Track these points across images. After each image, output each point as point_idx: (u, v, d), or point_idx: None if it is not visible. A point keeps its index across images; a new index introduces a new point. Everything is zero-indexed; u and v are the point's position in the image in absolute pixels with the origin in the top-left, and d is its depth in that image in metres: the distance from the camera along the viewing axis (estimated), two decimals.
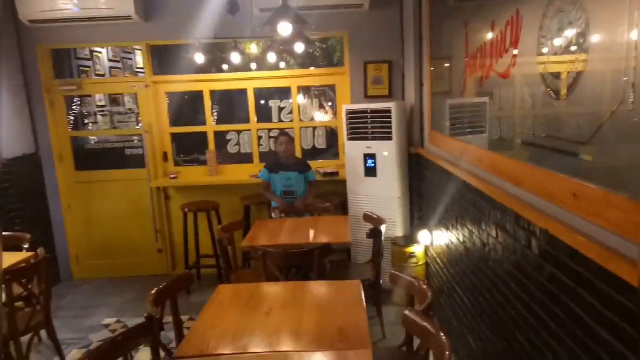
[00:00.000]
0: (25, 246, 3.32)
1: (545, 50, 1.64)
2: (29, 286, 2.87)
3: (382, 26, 4.33)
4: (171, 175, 4.65)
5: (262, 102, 4.85)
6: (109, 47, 5.86)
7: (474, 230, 2.51)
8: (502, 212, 2.05)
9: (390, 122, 3.89)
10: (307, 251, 2.84)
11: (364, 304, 2.11)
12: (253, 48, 6.16)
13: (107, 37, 4.46)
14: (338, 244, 3.13)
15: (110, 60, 5.80)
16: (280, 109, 4.80)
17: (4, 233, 3.47)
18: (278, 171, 4.03)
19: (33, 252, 3.15)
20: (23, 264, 2.93)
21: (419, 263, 3.82)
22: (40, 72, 4.43)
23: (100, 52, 5.55)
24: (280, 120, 4.80)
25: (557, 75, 1.58)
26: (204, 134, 4.79)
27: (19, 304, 3.04)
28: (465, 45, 2.60)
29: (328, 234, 3.27)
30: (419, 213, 4.05)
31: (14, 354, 2.77)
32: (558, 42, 1.55)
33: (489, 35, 2.21)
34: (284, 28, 2.47)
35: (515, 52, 1.91)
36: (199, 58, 4.08)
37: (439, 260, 3.45)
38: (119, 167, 4.81)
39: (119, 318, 3.90)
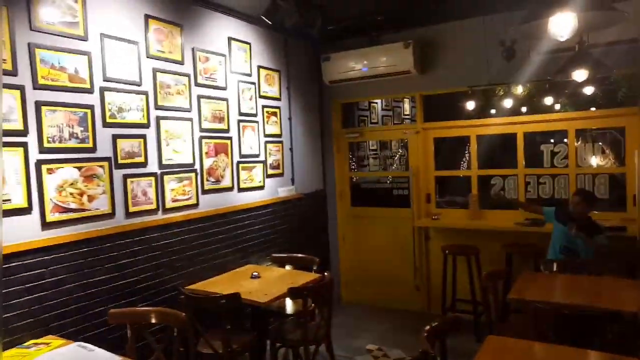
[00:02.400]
0: (314, 268, 3.95)
1: None
2: (315, 303, 3.41)
3: None
4: (433, 217, 4.85)
5: (533, 146, 4.62)
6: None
7: None
8: None
9: None
10: (593, 316, 2.53)
11: None
12: (519, 89, 5.96)
13: (387, 90, 5.07)
14: (631, 313, 2.68)
15: (383, 109, 6.51)
16: (554, 153, 4.47)
17: (299, 255, 4.21)
18: (567, 223, 3.72)
19: (320, 275, 3.74)
20: (311, 284, 3.52)
21: None
22: (333, 123, 5.35)
23: (376, 103, 6.30)
24: (552, 166, 4.47)
25: None
26: (463, 177, 4.85)
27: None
28: None
29: (615, 300, 2.85)
30: None
31: (303, 357, 3.33)
32: None
33: None
34: (580, 75, 2.34)
35: None
36: (470, 105, 4.21)
37: None
38: (387, 205, 5.29)
39: (380, 346, 4.21)
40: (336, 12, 4.24)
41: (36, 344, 2.47)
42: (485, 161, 4.87)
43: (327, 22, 4.23)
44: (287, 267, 4.04)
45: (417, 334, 2.33)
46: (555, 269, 3.57)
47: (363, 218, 5.36)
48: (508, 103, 4.62)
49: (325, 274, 3.53)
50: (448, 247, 4.49)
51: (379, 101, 6.37)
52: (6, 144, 2.48)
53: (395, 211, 5.18)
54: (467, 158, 5.30)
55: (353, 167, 5.68)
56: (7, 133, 2.48)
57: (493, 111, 5.08)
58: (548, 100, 4.48)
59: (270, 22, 3.67)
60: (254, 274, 3.63)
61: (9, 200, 2.48)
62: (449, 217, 4.90)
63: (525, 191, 4.57)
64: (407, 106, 7.02)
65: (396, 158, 6.49)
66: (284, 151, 4.70)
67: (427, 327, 2.35)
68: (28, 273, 2.55)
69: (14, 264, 2.49)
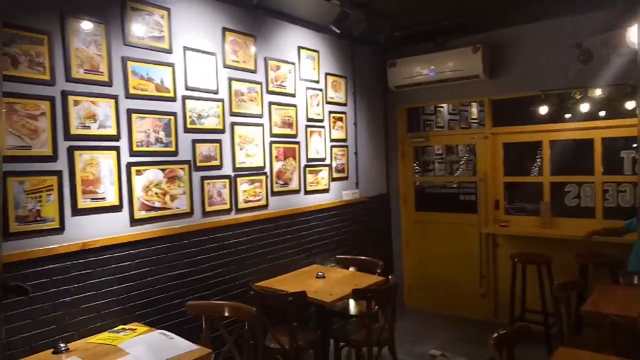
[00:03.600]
0: (378, 271, 3.99)
1: None
2: (377, 306, 3.44)
3: None
4: (502, 224, 4.72)
5: (612, 152, 4.38)
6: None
7: None
8: None
9: None
10: None
11: None
12: (597, 93, 5.63)
13: (454, 95, 5.01)
14: None
15: (449, 113, 6.42)
16: (635, 160, 4.20)
17: (362, 257, 4.25)
18: None
19: (383, 278, 3.77)
20: (375, 287, 3.56)
21: None
22: (398, 128, 5.37)
23: (442, 107, 6.23)
24: (634, 173, 4.21)
25: None
26: (534, 184, 4.68)
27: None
28: None
29: None
30: None
31: (366, 358, 3.38)
32: None
33: None
34: None
35: None
36: (543, 109, 4.07)
37: None
38: (453, 211, 5.21)
39: (444, 352, 4.17)
40: (403, 19, 4.27)
41: (124, 329, 2.72)
42: (558, 167, 4.68)
43: (394, 28, 4.27)
44: (351, 269, 4.11)
45: (482, 342, 2.31)
46: (636, 281, 3.37)
47: (428, 223, 5.32)
48: (584, 107, 4.40)
49: (390, 277, 3.56)
50: (517, 255, 4.36)
51: (445, 105, 6.30)
52: (102, 148, 2.76)
53: (461, 217, 5.10)
54: (539, 164, 5.11)
55: (417, 171, 5.65)
56: (103, 138, 2.77)
57: (567, 116, 4.85)
58: (630, 105, 4.21)
59: (338, 31, 3.78)
60: (319, 273, 3.74)
61: (104, 198, 2.77)
62: (518, 224, 4.75)
63: (603, 199, 4.34)
64: (474, 110, 6.86)
65: (462, 163, 6.37)
66: (349, 155, 4.78)
67: (495, 335, 2.31)
68: (118, 264, 2.83)
69: (107, 255, 2.77)
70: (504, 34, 4.58)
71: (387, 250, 5.42)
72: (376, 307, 3.40)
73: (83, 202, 2.66)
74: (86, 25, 2.69)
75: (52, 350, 2.41)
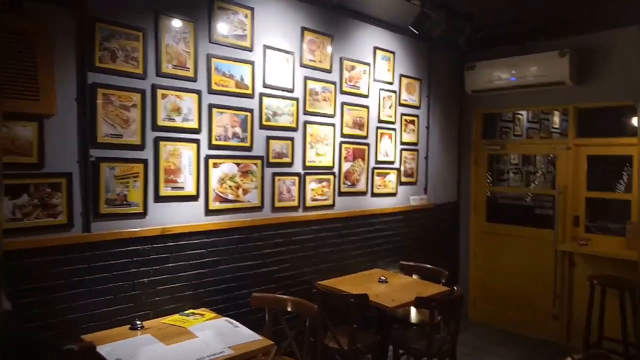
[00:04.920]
0: (442, 281, 3.88)
1: None
2: (440, 316, 3.35)
3: None
4: (581, 242, 4.42)
5: None
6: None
7: None
8: None
9: None
10: None
11: None
12: None
13: (535, 102, 4.77)
14: None
15: (529, 121, 6.09)
16: None
17: (427, 265, 4.16)
18: None
19: (448, 288, 3.66)
20: (438, 296, 3.45)
21: None
22: (473, 134, 5.19)
23: (521, 115, 5.93)
24: None
25: None
26: (621, 202, 4.33)
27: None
28: None
29: None
30: None
31: None
32: None
33: None
34: None
35: None
36: (635, 120, 3.76)
37: None
38: (526, 224, 4.95)
39: None
40: (485, 20, 4.12)
41: (193, 313, 2.86)
42: None
43: (475, 30, 4.13)
44: (414, 276, 4.03)
45: None
46: None
47: (499, 235, 5.08)
48: None
49: (455, 287, 3.45)
50: (597, 277, 4.03)
51: (524, 112, 5.99)
52: (184, 140, 2.91)
53: (535, 231, 4.82)
54: (625, 180, 4.73)
55: (489, 180, 5.43)
56: (186, 130, 2.92)
57: None
58: None
59: (417, 32, 3.72)
60: (382, 278, 3.70)
61: (183, 187, 2.92)
62: (599, 244, 4.42)
63: None
64: (556, 119, 6.46)
65: (539, 174, 6.04)
66: (419, 159, 4.69)
67: (569, 359, 2.18)
68: (192, 251, 2.97)
69: (183, 242, 2.92)
70: (595, 37, 4.28)
71: (453, 260, 5.26)
72: (439, 317, 3.31)
73: (165, 190, 2.82)
74: (177, 23, 2.85)
75: (129, 326, 2.58)
